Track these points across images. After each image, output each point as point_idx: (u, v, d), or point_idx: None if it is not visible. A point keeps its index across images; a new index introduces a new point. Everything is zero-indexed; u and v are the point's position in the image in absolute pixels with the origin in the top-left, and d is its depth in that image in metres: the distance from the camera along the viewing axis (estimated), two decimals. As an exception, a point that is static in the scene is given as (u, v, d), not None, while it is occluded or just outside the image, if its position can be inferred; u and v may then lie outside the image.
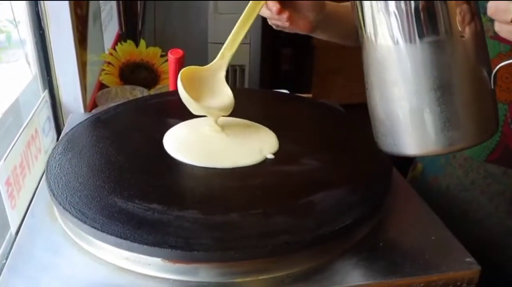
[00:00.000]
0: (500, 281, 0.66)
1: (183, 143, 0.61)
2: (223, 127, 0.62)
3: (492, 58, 0.59)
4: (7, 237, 0.57)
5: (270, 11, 0.62)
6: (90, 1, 0.98)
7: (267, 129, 0.65)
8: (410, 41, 0.43)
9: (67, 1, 0.76)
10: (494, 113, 0.47)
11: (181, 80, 0.58)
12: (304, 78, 1.84)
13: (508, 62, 0.44)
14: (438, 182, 0.72)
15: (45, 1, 0.75)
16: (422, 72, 0.43)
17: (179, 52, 0.81)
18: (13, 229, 0.55)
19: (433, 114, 0.44)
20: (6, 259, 0.48)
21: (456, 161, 0.69)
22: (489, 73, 0.45)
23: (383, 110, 0.47)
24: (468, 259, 0.48)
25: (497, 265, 0.66)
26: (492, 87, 0.45)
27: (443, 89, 0.43)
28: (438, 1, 0.42)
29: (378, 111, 0.48)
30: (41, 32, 0.77)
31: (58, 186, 0.52)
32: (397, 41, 0.43)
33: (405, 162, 0.79)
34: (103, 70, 0.99)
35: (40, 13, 0.75)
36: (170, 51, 0.82)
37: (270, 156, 0.59)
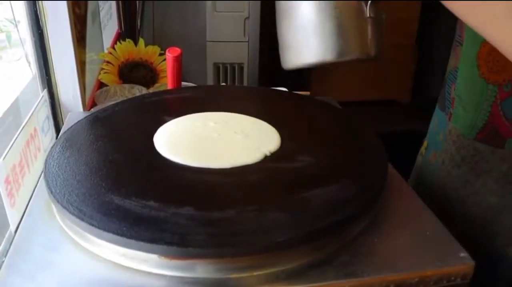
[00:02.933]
0: (479, 258, 0.68)
1: (178, 142, 0.62)
2: (225, 123, 0.63)
3: None
4: (7, 235, 0.58)
5: None
6: (89, 0, 0.98)
7: (270, 126, 0.66)
8: None
9: (65, 0, 0.76)
10: (372, 37, 0.58)
11: None
12: (302, 76, 1.84)
13: None
14: (436, 158, 0.75)
15: (43, 1, 0.75)
16: None
17: (176, 51, 0.81)
18: (12, 227, 0.56)
19: (330, 25, 0.56)
20: (5, 257, 0.48)
21: (451, 137, 0.72)
22: (366, 4, 0.57)
23: (288, 29, 0.59)
24: (462, 254, 0.49)
25: (478, 243, 0.67)
26: (368, 15, 0.56)
27: (339, 9, 0.56)
28: None
29: (284, 33, 0.59)
30: (39, 31, 0.77)
31: (56, 184, 0.52)
32: None
33: (416, 150, 0.82)
34: (102, 69, 1.00)
35: (38, 12, 0.76)
36: (168, 49, 0.82)
37: (269, 153, 0.59)
